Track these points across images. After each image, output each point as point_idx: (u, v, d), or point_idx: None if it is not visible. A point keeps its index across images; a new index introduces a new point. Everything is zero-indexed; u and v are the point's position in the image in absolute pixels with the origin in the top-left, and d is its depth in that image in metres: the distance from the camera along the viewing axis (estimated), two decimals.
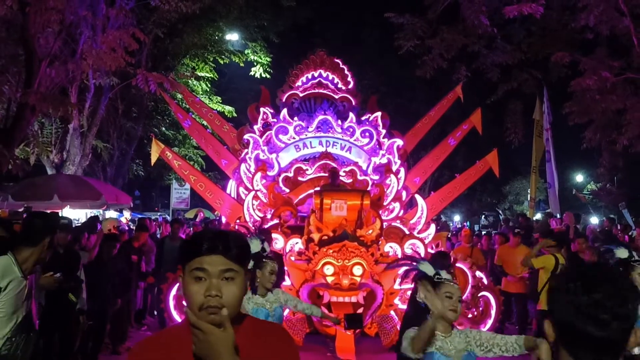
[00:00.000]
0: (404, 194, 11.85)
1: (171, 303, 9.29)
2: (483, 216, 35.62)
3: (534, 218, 18.60)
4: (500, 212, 34.55)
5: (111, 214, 13.37)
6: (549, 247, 8.65)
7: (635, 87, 14.94)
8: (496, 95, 19.81)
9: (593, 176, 30.42)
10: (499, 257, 10.84)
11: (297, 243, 9.49)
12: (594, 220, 19.87)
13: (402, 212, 11.33)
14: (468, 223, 33.51)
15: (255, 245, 5.26)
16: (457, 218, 36.30)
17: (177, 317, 9.20)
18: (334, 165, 11.36)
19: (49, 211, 10.41)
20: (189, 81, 20.88)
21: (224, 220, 12.98)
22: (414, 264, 3.89)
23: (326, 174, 11.18)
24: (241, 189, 11.99)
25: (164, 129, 22.65)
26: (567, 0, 15.43)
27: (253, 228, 9.94)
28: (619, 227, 13.51)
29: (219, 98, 23.78)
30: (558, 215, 16.66)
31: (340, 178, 11.08)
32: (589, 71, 14.63)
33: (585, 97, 15.74)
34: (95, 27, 13.66)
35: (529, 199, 21.02)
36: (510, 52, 17.23)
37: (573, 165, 31.79)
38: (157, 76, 13.48)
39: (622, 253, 4.77)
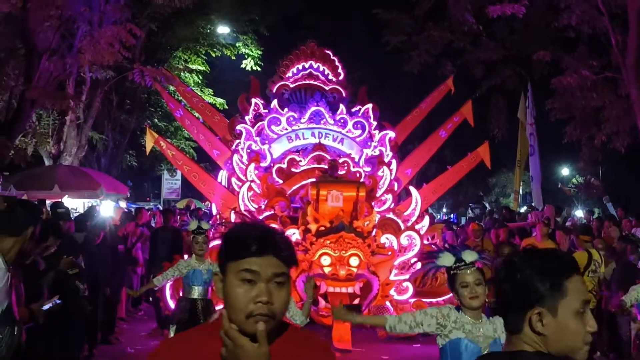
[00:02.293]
0: (395, 185, 11.99)
1: (167, 292, 9.52)
2: (469, 208, 36.06)
3: (521, 210, 19.10)
4: (486, 204, 35.00)
5: (108, 203, 13.73)
6: (585, 243, 8.33)
7: (613, 85, 15.44)
8: (481, 91, 20.31)
9: (577, 170, 30.93)
10: None
11: (294, 234, 9.51)
12: (579, 213, 20.29)
13: (393, 204, 11.46)
14: (455, 215, 34.03)
15: None
16: (444, 210, 36.79)
17: (173, 306, 9.44)
18: (327, 156, 11.45)
19: (48, 201, 10.82)
20: (181, 74, 21.20)
21: (214, 210, 13.06)
22: (434, 261, 3.73)
23: (319, 166, 11.29)
24: (233, 180, 12.05)
25: (156, 120, 22.95)
26: None
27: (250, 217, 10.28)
28: (592, 220, 14.00)
29: (210, 90, 24.04)
30: (540, 208, 17.15)
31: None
32: (570, 69, 15.15)
33: (566, 94, 16.27)
34: (92, 22, 13.98)
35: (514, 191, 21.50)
36: (494, 49, 17.73)
37: (559, 159, 32.21)
38: (152, 70, 13.83)
39: None
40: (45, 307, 5.32)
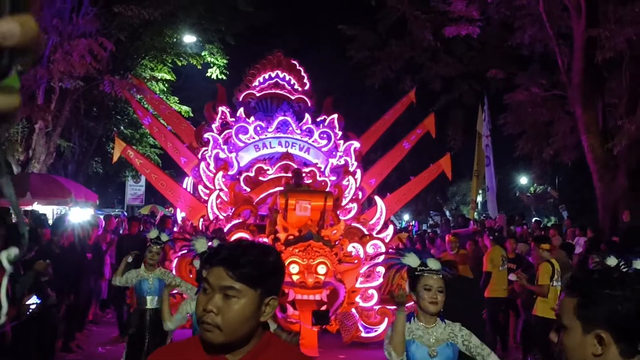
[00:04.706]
0: (359, 194, 12.29)
1: None
2: (429, 216, 36.84)
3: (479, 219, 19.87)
4: (447, 212, 35.77)
5: (76, 210, 13.97)
6: (545, 252, 8.18)
7: (562, 102, 16.18)
8: (439, 104, 21.09)
9: (533, 180, 31.87)
10: None
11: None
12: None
13: (358, 213, 11.77)
14: (415, 222, 34.72)
15: (200, 245, 5.49)
16: (406, 217, 37.44)
17: None
18: (294, 165, 11.66)
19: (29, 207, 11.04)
20: (147, 83, 21.41)
21: (179, 217, 13.13)
22: (398, 258, 3.71)
23: (287, 174, 11.49)
24: (200, 187, 12.24)
25: (122, 128, 23.11)
26: (505, 19, 16.69)
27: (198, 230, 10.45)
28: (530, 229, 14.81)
29: (176, 98, 24.18)
30: (494, 217, 17.89)
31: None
32: (522, 86, 15.95)
33: (518, 110, 17.09)
34: (62, 33, 14.20)
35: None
36: (452, 65, 18.50)
37: (518, 168, 33.15)
38: (122, 82, 14.11)
39: (611, 261, 5.00)
40: (28, 302, 5.72)
